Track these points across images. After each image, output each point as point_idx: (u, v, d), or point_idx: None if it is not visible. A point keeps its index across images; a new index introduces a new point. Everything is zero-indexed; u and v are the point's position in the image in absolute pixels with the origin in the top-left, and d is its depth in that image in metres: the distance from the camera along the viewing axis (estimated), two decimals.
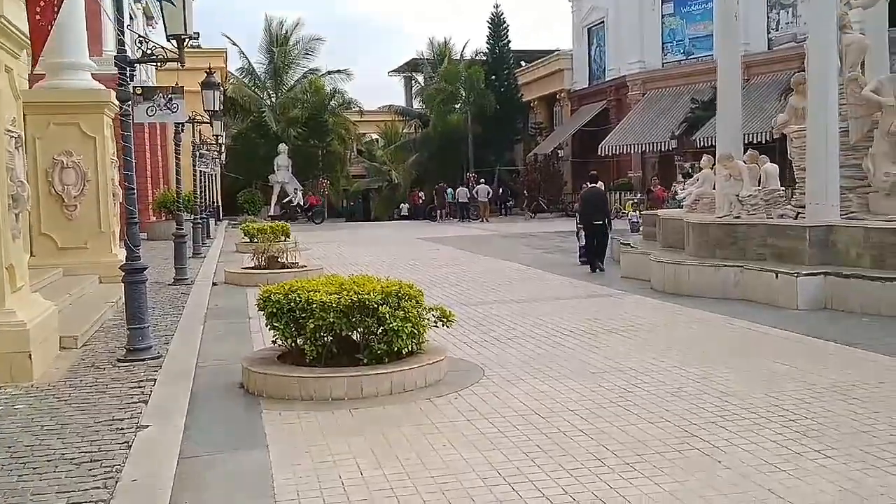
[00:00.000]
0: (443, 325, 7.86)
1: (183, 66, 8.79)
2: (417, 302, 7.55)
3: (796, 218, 13.43)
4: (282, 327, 7.47)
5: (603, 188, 18.57)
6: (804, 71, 14.80)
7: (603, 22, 45.08)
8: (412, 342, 7.43)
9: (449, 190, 44.29)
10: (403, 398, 6.91)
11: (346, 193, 53.21)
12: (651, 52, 41.28)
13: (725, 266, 12.19)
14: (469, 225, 37.19)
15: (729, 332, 9.69)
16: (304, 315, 7.28)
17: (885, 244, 10.78)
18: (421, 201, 46.11)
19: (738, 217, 13.21)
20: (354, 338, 7.54)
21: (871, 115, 12.69)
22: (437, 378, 7.43)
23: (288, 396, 7.03)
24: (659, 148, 38.40)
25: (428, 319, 7.73)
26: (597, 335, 9.56)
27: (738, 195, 13.26)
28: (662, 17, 41.17)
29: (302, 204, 44.54)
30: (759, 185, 13.48)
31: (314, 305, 7.20)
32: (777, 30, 37.46)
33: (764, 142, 32.73)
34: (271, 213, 42.78)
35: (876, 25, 14.29)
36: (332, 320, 7.19)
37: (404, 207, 46.91)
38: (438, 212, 43.27)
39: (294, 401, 6.92)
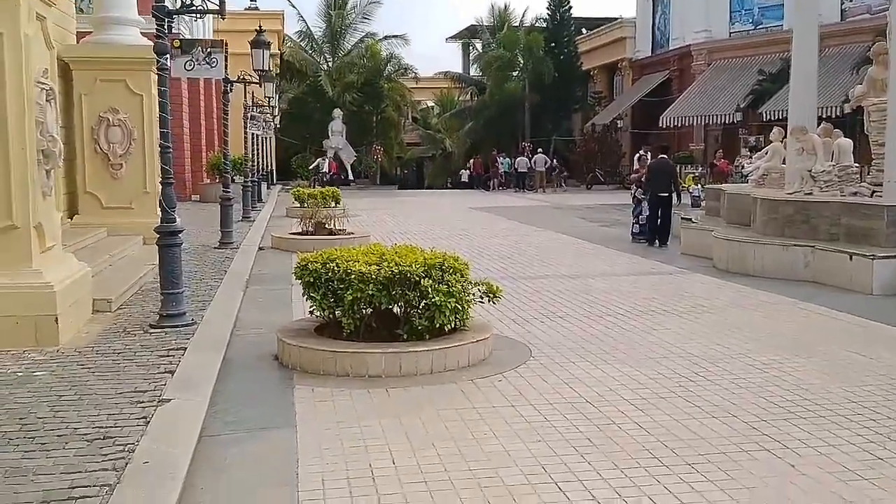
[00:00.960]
0: (489, 301, 7.36)
1: (224, 18, 8.35)
2: (462, 275, 7.07)
3: (871, 196, 12.56)
4: (319, 298, 7.06)
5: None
6: (884, 40, 13.86)
7: None
8: (455, 318, 6.95)
9: (506, 159, 43.50)
10: (444, 378, 6.46)
11: (400, 161, 52.78)
12: (718, 21, 39.75)
13: (796, 245, 11.42)
14: (524, 195, 36.47)
15: (800, 316, 9.01)
16: (342, 286, 6.85)
17: None
18: (482, 169, 45.02)
19: (809, 193, 12.39)
20: (395, 311, 7.11)
21: None
22: (480, 357, 6.95)
23: (323, 371, 6.62)
24: (723, 120, 37.07)
25: (473, 294, 7.24)
26: (655, 316, 8.97)
27: (810, 170, 12.43)
28: None
29: (327, 171, 43.56)
30: (832, 161, 12.63)
31: (353, 276, 6.76)
32: (851, 1, 35.73)
33: (835, 116, 31.34)
34: (327, 177, 42.48)
35: None
36: (371, 292, 6.75)
37: (464, 174, 45.98)
38: (492, 181, 42.55)
39: (329, 376, 6.52)
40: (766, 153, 15.26)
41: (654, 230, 15.97)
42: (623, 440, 5.04)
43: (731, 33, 39.57)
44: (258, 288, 11.00)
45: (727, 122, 36.88)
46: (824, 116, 31.84)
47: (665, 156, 17.10)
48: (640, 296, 10.23)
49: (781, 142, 14.96)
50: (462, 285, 7.01)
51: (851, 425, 5.24)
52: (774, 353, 7.14)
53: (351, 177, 45.60)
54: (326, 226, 16.10)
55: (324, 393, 6.09)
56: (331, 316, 7.15)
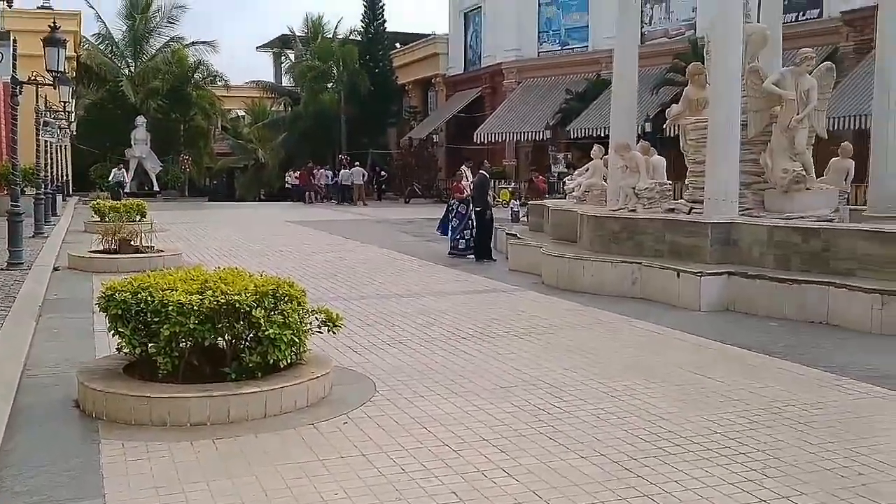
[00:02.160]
0: (329, 331, 6.65)
1: (10, 6, 7.14)
2: (299, 304, 6.32)
3: (689, 213, 12.94)
4: (129, 334, 6.08)
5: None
6: (693, 62, 14.45)
7: (480, 7, 44.38)
8: (292, 352, 6.20)
9: (325, 171, 42.53)
10: (281, 423, 5.69)
11: (210, 171, 50.55)
12: (527, 40, 40.92)
13: (624, 262, 11.49)
14: (342, 209, 35.73)
15: (638, 336, 8.93)
16: (157, 319, 5.92)
17: (790, 244, 10.32)
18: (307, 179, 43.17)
19: (633, 210, 12.58)
20: (221, 346, 6.25)
21: (771, 109, 12.29)
22: (320, 395, 6.24)
23: (135, 421, 5.67)
24: (533, 137, 38.14)
25: (311, 324, 6.51)
26: (497, 338, 8.59)
27: (634, 187, 12.62)
28: (539, 5, 40.82)
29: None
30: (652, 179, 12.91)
31: (170, 308, 5.85)
32: (650, 24, 37.78)
33: (637, 134, 32.95)
34: (127, 189, 39.74)
35: (770, 16, 13.95)
36: (192, 326, 5.86)
37: (291, 176, 43.55)
38: (309, 193, 41.43)
39: (143, 427, 5.58)
40: (587, 170, 15.48)
41: (478, 245, 15.95)
42: (492, 492, 4.51)
43: (539, 53, 40.83)
44: (54, 317, 9.66)
45: (538, 138, 37.96)
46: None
47: (483, 171, 17.25)
48: (477, 316, 9.85)
49: (602, 159, 15.23)
50: (299, 315, 6.27)
51: (722, 460, 4.99)
52: (624, 378, 6.91)
53: (157, 188, 43.07)
54: (132, 243, 14.70)
55: (137, 449, 5.16)
56: (143, 353, 6.19)
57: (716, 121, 11.53)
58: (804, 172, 11.98)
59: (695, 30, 34.67)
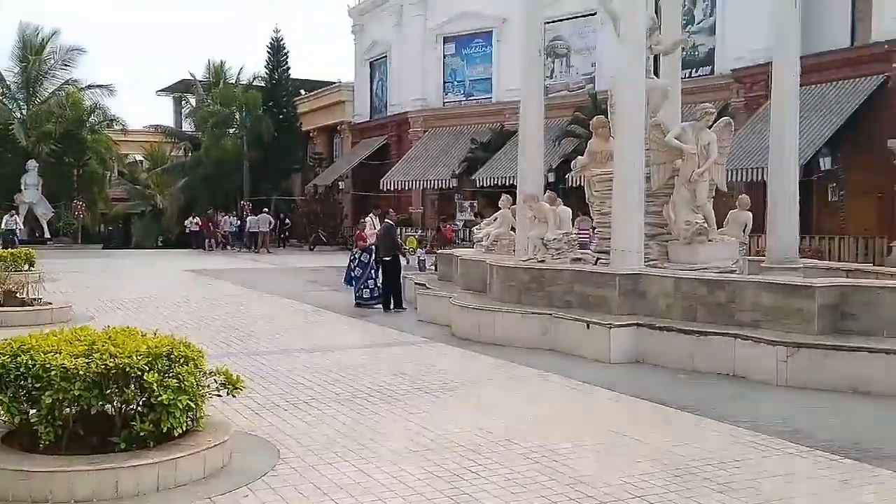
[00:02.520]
0: (229, 394, 6.23)
1: None
2: (196, 366, 5.90)
3: (596, 263, 13.02)
4: (7, 401, 5.55)
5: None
6: (590, 115, 14.70)
7: (385, 56, 44.67)
8: (187, 418, 5.76)
9: (229, 218, 41.52)
10: (176, 497, 5.24)
11: (105, 218, 48.75)
12: (432, 90, 41.29)
13: (534, 314, 11.40)
14: (246, 256, 34.85)
15: (551, 391, 8.77)
16: (38, 385, 5.41)
17: (696, 295, 10.43)
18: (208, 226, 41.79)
19: (542, 261, 12.55)
20: (110, 412, 5.76)
21: (673, 163, 12.54)
22: (219, 465, 5.80)
23: (13, 498, 5.13)
24: (440, 185, 38.29)
25: (209, 387, 6.09)
26: (408, 396, 8.28)
27: (542, 238, 12.62)
28: (444, 56, 41.36)
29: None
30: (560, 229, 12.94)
31: (53, 373, 5.36)
32: (551, 78, 38.69)
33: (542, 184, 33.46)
34: (20, 236, 37.73)
35: (670, 72, 14.31)
36: (77, 392, 5.38)
37: (192, 222, 42.00)
38: (210, 241, 40.31)
39: None
40: (496, 219, 15.46)
41: (388, 294, 15.72)
42: None
43: (444, 103, 41.22)
44: None
45: (444, 186, 38.12)
46: None
47: (389, 220, 17.17)
48: (387, 372, 9.52)
49: (510, 209, 15.25)
50: (196, 378, 5.85)
51: None
52: (540, 437, 6.71)
53: (48, 235, 41.19)
54: (18, 294, 13.83)
55: None
56: (24, 421, 5.65)
57: (621, 174, 11.67)
58: (706, 224, 12.22)
59: (594, 83, 35.72)
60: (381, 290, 15.93)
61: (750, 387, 8.94)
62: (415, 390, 8.57)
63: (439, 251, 17.57)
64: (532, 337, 11.28)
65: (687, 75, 30.32)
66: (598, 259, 13.10)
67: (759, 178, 23.86)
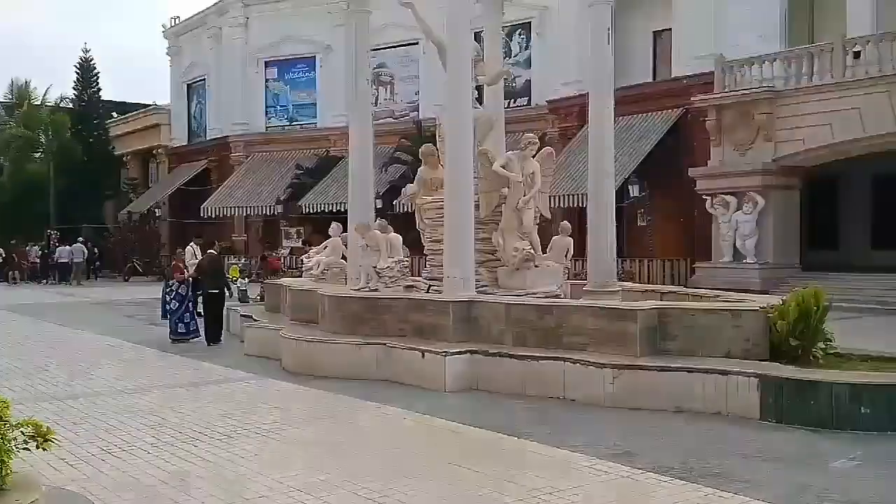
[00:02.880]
0: (38, 447, 5.62)
1: None
2: (1, 418, 5.29)
3: (428, 290, 13.06)
4: None
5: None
6: (435, 142, 14.80)
7: (204, 79, 43.34)
8: None
9: (34, 248, 38.53)
10: None
11: None
12: (254, 114, 40.41)
13: (369, 344, 11.22)
14: (55, 289, 32.43)
15: (390, 425, 8.60)
16: None
17: (527, 320, 10.63)
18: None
19: (375, 290, 12.42)
20: None
21: (500, 190, 12.80)
22: None
23: None
24: (264, 212, 37.39)
25: (15, 440, 5.47)
26: (239, 438, 7.86)
27: (375, 266, 12.49)
28: (266, 81, 40.62)
29: None
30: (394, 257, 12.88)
31: None
32: (376, 105, 38.87)
33: None
34: None
35: (494, 102, 14.65)
36: None
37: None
38: (12, 273, 37.19)
39: None
40: (326, 247, 15.20)
41: (209, 328, 15.14)
42: None
43: (267, 128, 40.45)
44: None
45: (268, 213, 37.27)
46: (343, 211, 33.74)
47: (213, 251, 16.65)
48: (214, 412, 9.03)
49: (340, 237, 15.04)
50: (2, 432, 5.24)
51: None
52: (382, 478, 6.50)
53: None
54: None
55: None
56: None
57: (452, 202, 11.76)
58: (533, 251, 12.54)
59: (419, 111, 36.23)
60: (197, 323, 15.30)
61: (582, 410, 9.16)
62: (246, 430, 8.16)
63: (266, 281, 17.02)
64: (368, 368, 11.09)
65: (507, 106, 31.43)
66: (430, 286, 13.13)
67: (575, 203, 25.01)
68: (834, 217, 28.58)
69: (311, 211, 35.45)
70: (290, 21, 38.88)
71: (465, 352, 10.47)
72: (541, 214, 13.16)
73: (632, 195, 26.91)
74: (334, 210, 34.59)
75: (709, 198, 25.80)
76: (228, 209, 37.70)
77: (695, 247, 27.43)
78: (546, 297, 12.11)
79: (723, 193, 25.41)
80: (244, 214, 38.38)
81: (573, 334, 10.21)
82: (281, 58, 39.75)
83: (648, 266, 27.41)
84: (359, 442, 7.81)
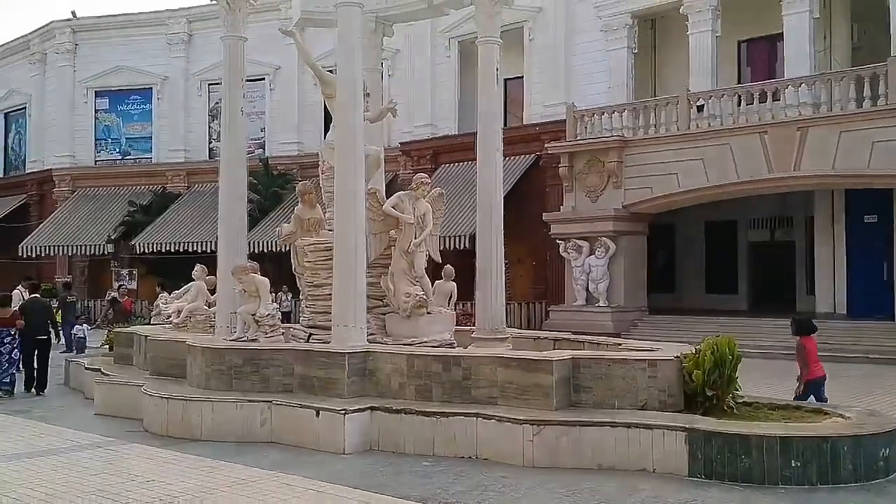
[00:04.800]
0: None
1: None
2: None
3: (308, 340, 12.05)
4: None
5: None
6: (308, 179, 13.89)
7: (24, 109, 39.98)
8: None
9: None
10: None
11: None
12: (82, 147, 37.59)
13: (252, 402, 10.04)
14: None
15: (287, 497, 7.52)
16: None
17: (430, 373, 9.85)
18: None
19: (255, 340, 11.24)
20: None
21: (389, 232, 12.05)
22: None
23: None
24: (92, 251, 34.54)
25: None
26: None
27: (254, 314, 11.32)
28: (96, 111, 37.90)
29: None
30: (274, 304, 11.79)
31: None
32: (218, 140, 37.18)
33: (210, 251, 31.60)
34: None
35: (376, 140, 13.91)
36: None
37: None
38: None
39: None
40: (189, 292, 13.80)
41: (31, 378, 14.20)
42: None
43: (97, 161, 37.73)
44: None
45: (97, 252, 34.48)
46: (198, 251, 31.97)
47: (38, 294, 15.96)
48: (78, 487, 7.62)
49: (205, 280, 13.73)
50: None
51: None
52: None
53: None
54: None
55: None
56: None
57: (342, 244, 10.84)
58: (426, 296, 11.83)
59: (264, 148, 34.93)
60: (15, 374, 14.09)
61: (501, 470, 8.42)
62: None
63: (117, 328, 15.30)
64: (250, 429, 9.91)
65: None
66: (310, 335, 12.12)
67: (452, 246, 24.65)
68: (671, 262, 29.81)
69: (147, 251, 33.17)
70: (124, 49, 36.63)
71: (366, 408, 9.54)
72: (430, 258, 12.50)
73: None
74: (172, 250, 32.55)
75: (562, 242, 26.15)
76: (51, 248, 34.54)
77: (548, 290, 27.69)
78: (441, 346, 11.44)
79: (576, 238, 25.83)
80: (69, 254, 35.34)
81: (482, 387, 9.54)
82: (113, 88, 37.30)
83: (507, 310, 27.31)
84: None
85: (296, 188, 13.25)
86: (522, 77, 29.50)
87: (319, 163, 12.70)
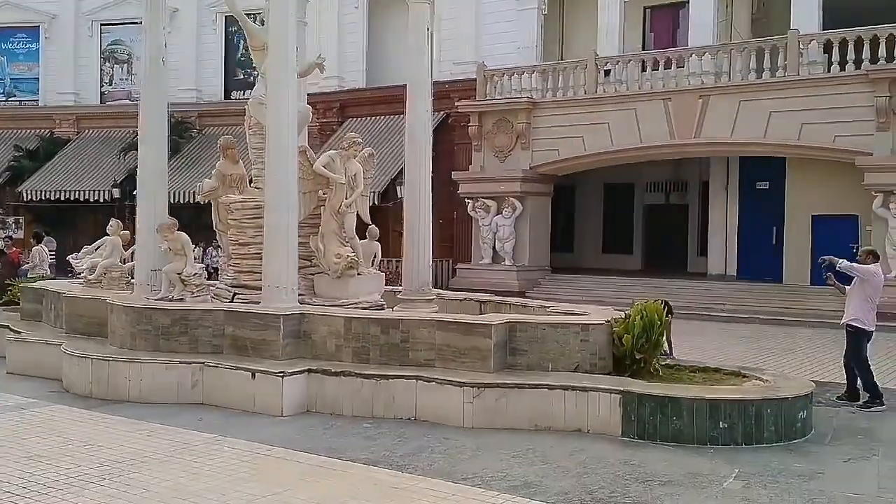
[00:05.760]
0: None
1: None
2: None
3: (232, 300, 11.82)
4: None
5: None
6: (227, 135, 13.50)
7: None
8: None
9: None
10: None
11: None
12: None
13: (183, 364, 9.83)
14: None
15: (239, 460, 7.43)
16: None
17: (368, 335, 9.85)
18: None
19: (181, 299, 10.96)
20: None
21: (319, 192, 11.89)
22: None
23: None
24: None
25: None
26: (57, 489, 6.38)
27: (180, 273, 11.01)
28: None
29: None
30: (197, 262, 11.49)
31: None
32: (111, 85, 35.53)
33: (103, 200, 30.41)
34: None
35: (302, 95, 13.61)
36: None
37: None
38: None
39: None
40: (105, 248, 13.25)
41: None
42: None
43: None
44: None
45: None
46: (91, 200, 30.66)
47: None
48: (8, 453, 7.34)
49: (119, 235, 13.24)
50: None
51: None
52: None
53: None
54: None
55: None
56: None
57: (274, 203, 10.64)
58: (357, 257, 11.77)
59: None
60: None
61: (441, 431, 8.59)
62: (57, 479, 6.64)
63: (22, 283, 14.54)
64: (180, 390, 9.72)
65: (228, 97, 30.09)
66: (234, 295, 11.88)
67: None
68: (571, 222, 30.53)
69: (34, 198, 31.61)
70: None
71: (304, 370, 9.49)
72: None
73: (399, 196, 26.73)
74: (62, 199, 31.16)
75: (470, 201, 26.39)
76: None
77: (455, 248, 27.93)
78: (371, 307, 11.46)
79: (483, 198, 26.11)
80: None
81: (420, 349, 9.63)
82: None
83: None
84: (213, 489, 6.62)
85: (218, 143, 12.84)
86: (433, 34, 29.22)
87: (246, 118, 12.33)
